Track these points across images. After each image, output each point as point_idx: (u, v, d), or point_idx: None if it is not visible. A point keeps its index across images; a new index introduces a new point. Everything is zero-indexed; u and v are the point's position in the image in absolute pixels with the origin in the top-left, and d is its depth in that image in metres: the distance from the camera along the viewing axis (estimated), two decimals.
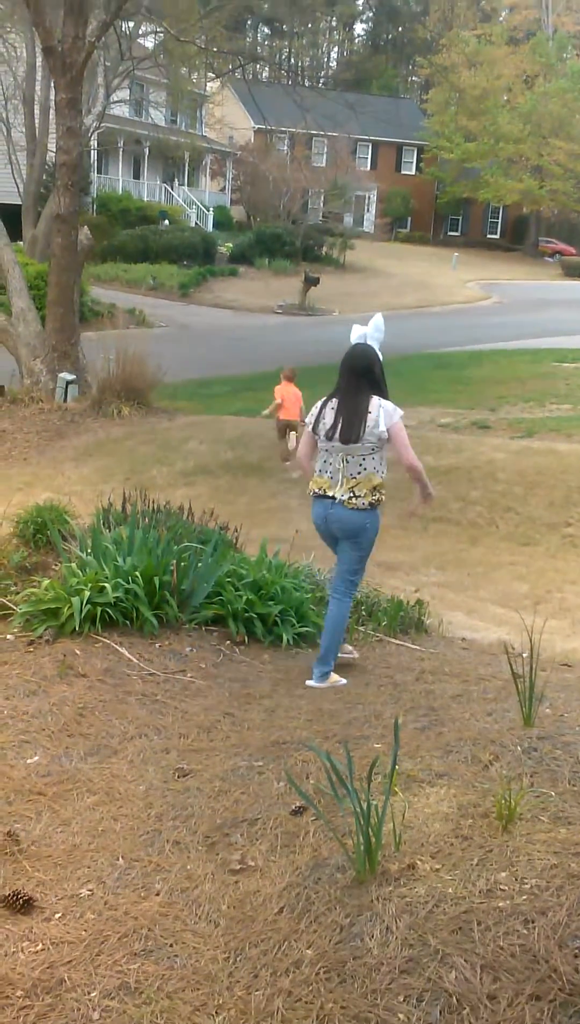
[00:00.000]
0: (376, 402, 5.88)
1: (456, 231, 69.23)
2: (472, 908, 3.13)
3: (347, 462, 5.89)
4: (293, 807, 4.01)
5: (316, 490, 6.05)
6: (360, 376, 5.97)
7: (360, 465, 5.89)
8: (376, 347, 6.11)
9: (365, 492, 5.88)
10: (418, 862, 3.43)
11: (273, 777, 4.36)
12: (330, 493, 5.95)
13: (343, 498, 5.89)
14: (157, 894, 3.57)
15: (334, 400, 6.00)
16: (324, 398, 6.09)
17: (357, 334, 6.16)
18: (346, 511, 5.89)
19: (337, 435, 5.89)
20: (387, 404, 5.90)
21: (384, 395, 5.98)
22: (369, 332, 6.15)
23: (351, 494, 5.88)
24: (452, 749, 4.38)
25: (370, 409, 5.85)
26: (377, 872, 3.39)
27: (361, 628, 6.93)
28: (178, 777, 4.47)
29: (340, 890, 3.38)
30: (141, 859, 3.80)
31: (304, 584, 6.93)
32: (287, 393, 15.43)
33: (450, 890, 3.24)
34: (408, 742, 4.47)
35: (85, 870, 3.73)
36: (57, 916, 3.45)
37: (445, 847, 3.53)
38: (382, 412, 5.85)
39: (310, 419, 6.10)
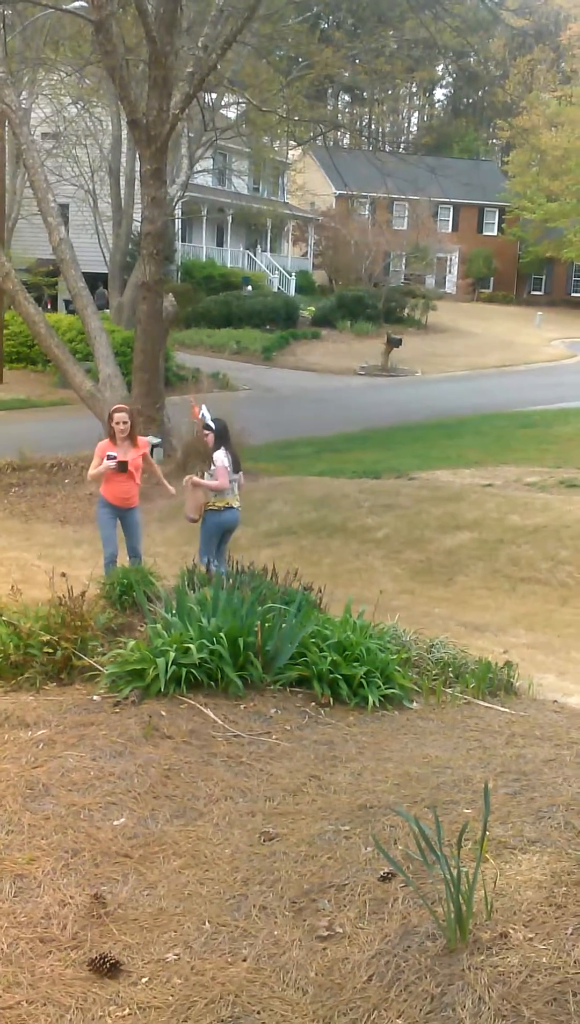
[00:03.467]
0: None
1: (539, 290, 69.05)
2: (567, 979, 3.04)
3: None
4: (381, 873, 3.94)
5: (233, 505, 9.95)
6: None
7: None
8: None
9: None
10: (511, 931, 3.35)
11: (360, 842, 4.29)
12: (235, 505, 9.99)
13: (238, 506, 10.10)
14: (244, 960, 3.52)
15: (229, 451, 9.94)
16: (223, 450, 9.84)
17: (209, 415, 10.23)
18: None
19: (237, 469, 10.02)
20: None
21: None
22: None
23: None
24: (544, 815, 4.28)
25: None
26: (468, 940, 3.31)
27: (449, 690, 6.83)
28: (264, 841, 4.43)
29: (430, 959, 3.30)
30: (228, 924, 3.76)
31: (389, 645, 6.87)
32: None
33: (544, 960, 3.15)
34: (498, 807, 4.37)
35: (172, 934, 3.70)
36: (144, 980, 3.42)
37: (538, 915, 3.43)
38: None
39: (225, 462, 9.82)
